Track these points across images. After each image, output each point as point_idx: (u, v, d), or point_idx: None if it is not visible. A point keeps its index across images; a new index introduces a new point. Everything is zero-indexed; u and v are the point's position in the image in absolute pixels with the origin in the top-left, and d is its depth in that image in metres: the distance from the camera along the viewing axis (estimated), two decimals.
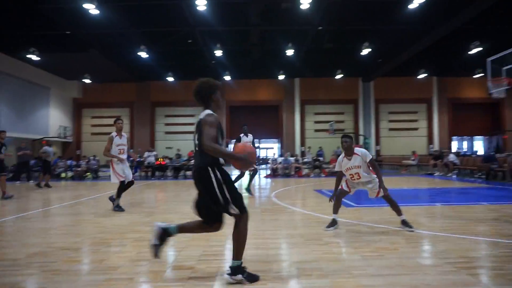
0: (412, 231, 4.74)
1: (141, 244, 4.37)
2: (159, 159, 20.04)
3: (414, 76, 29.68)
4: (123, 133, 7.41)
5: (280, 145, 30.80)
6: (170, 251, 4.10)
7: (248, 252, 3.66)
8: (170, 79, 28.50)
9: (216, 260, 3.74)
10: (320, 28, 19.73)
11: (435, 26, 18.24)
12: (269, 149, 32.72)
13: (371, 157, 4.83)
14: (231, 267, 3.10)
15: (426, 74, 28.98)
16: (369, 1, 17.35)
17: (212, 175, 3.02)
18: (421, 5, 15.88)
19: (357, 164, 4.78)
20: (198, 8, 16.44)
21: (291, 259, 3.72)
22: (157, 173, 19.32)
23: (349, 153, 4.85)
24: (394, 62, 24.01)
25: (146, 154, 20.62)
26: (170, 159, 20.85)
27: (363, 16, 18.92)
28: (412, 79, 30.14)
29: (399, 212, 5.02)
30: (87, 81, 28.50)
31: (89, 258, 3.99)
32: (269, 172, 19.81)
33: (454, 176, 16.50)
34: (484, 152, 25.58)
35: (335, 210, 5.01)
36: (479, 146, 32.79)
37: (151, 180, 15.77)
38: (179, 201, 8.88)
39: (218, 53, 22.74)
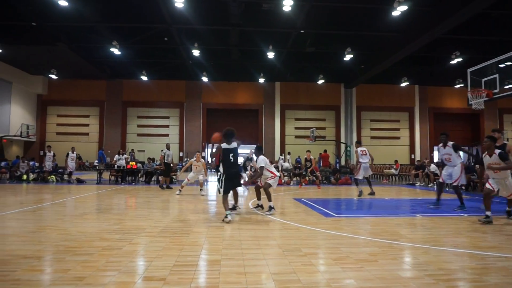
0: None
1: (110, 253, 4.12)
2: (130, 163, 18.69)
3: (396, 84, 29.42)
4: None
5: None
6: (140, 261, 3.90)
7: (224, 263, 3.70)
8: (144, 78, 27.11)
9: (190, 271, 3.51)
10: (302, 31, 19.03)
11: (418, 35, 17.84)
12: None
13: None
14: None
15: (408, 83, 28.72)
16: (352, 7, 16.76)
17: None
18: (403, 13, 15.52)
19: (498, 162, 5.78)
20: (175, 4, 15.47)
21: (268, 270, 3.57)
22: (127, 178, 18.01)
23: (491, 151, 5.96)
24: (377, 69, 23.54)
25: (116, 157, 19.20)
26: (142, 163, 19.55)
27: (346, 21, 18.35)
28: (394, 87, 29.85)
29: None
30: (54, 76, 26.73)
31: (52, 268, 3.67)
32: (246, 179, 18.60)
33: (435, 186, 16.09)
34: (464, 163, 25.30)
35: (488, 208, 5.69)
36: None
37: (121, 185, 14.72)
38: (150, 207, 8.11)
39: (196, 52, 21.70)
